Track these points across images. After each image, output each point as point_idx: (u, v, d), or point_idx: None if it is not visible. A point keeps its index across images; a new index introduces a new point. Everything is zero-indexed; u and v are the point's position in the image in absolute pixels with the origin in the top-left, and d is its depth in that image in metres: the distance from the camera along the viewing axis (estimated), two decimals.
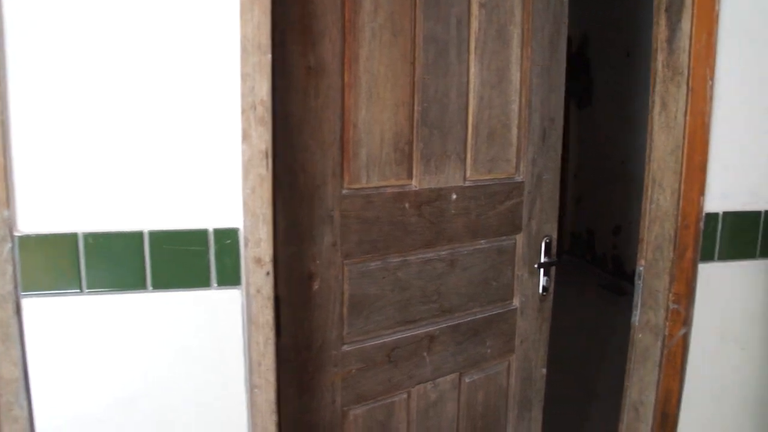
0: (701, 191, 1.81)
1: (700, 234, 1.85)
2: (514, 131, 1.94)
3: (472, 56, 1.81)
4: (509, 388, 2.12)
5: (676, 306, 1.84)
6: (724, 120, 1.83)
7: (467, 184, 1.86)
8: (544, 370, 2.20)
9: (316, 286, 1.64)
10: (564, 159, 6.95)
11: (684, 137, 1.73)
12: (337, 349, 1.71)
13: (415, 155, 1.74)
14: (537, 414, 2.22)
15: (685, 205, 1.78)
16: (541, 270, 2.08)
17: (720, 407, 2.07)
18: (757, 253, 1.97)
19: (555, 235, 2.10)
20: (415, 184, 1.76)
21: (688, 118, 1.72)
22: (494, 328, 2.02)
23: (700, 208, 1.82)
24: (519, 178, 1.98)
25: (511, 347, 2.08)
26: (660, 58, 1.80)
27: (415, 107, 1.72)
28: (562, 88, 2.03)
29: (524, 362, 2.13)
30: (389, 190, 1.71)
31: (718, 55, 1.76)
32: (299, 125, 1.55)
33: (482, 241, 1.93)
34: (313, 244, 1.62)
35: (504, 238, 1.98)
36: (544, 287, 2.10)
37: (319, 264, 1.63)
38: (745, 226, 1.94)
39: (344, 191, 1.64)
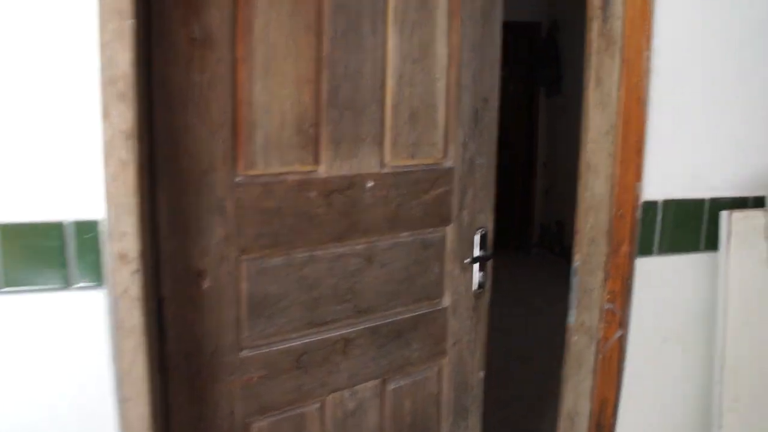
0: (638, 176, 1.69)
1: (638, 225, 1.72)
2: (441, 112, 1.81)
3: (391, 28, 1.68)
4: (441, 395, 2.00)
5: (610, 306, 1.72)
6: (665, 96, 1.70)
7: (386, 170, 1.73)
8: (482, 374, 2.08)
9: (206, 284, 1.50)
10: (533, 149, 6.89)
11: (618, 115, 1.60)
12: (235, 355, 1.57)
13: (323, 138, 1.61)
14: (474, 422, 2.10)
15: (620, 193, 1.65)
16: (476, 265, 1.96)
17: (661, 415, 1.96)
18: (701, 245, 1.84)
19: (491, 227, 1.98)
20: (322, 170, 1.62)
21: (622, 93, 1.60)
22: (421, 329, 1.90)
23: (637, 195, 1.70)
24: (447, 164, 1.85)
25: (441, 350, 1.96)
26: (595, 27, 1.67)
27: (323, 85, 1.59)
28: (497, 65, 1.91)
29: (458, 366, 2.01)
30: (292, 177, 1.58)
31: (656, 23, 1.63)
32: (182, 103, 1.41)
33: (405, 234, 1.81)
34: (202, 237, 1.48)
35: (430, 230, 1.86)
36: (479, 283, 1.98)
37: (210, 260, 1.50)
38: (688, 215, 1.81)
39: (238, 178, 1.50)
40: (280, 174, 1.56)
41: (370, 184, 1.70)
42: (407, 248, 1.82)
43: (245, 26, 1.46)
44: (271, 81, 1.51)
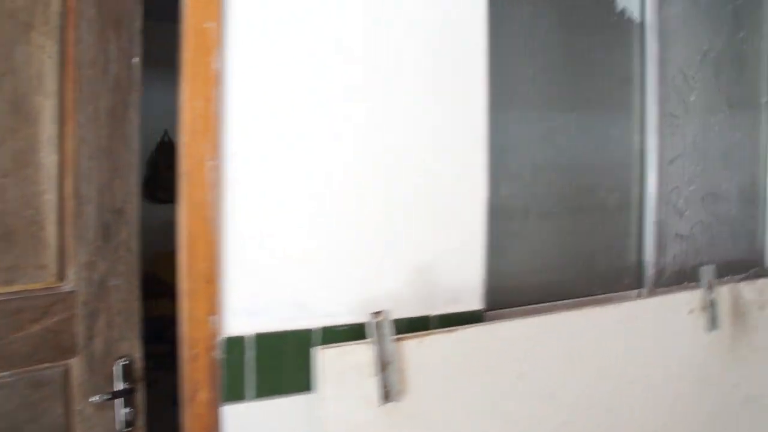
0: (212, 309, 1.54)
1: (218, 367, 1.56)
2: (51, 229, 1.64)
3: None
4: None
5: None
6: (249, 214, 1.59)
7: None
8: None
9: None
10: None
11: (183, 238, 1.48)
12: None
13: None
14: None
15: (191, 329, 1.51)
16: (119, 400, 1.77)
17: None
18: (312, 383, 1.68)
19: (138, 354, 1.81)
20: None
21: (185, 212, 1.49)
22: None
23: (213, 331, 1.54)
24: (66, 288, 1.67)
25: None
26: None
27: None
28: (134, 172, 1.76)
29: None
30: None
31: (229, 126, 1.53)
32: None
33: (4, 374, 1.60)
34: None
35: (45, 366, 1.66)
36: (126, 422, 1.78)
37: None
38: (291, 350, 1.67)
39: None
40: None
41: None
42: (9, 391, 1.61)
43: None
44: None
